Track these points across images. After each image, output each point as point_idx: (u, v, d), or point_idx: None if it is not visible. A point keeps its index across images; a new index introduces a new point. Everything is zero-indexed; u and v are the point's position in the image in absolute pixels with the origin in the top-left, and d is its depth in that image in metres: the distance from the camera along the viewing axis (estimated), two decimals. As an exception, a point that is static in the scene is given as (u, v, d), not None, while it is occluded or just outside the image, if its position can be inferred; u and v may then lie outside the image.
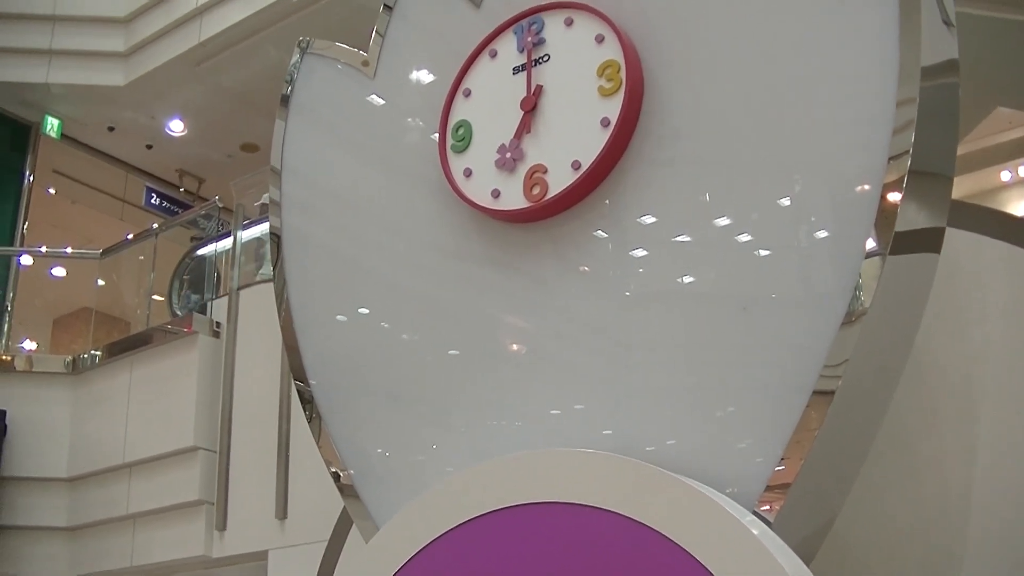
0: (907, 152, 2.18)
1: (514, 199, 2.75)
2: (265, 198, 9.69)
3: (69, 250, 13.03)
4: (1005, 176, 11.24)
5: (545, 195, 2.67)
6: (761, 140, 2.43)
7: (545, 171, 2.70)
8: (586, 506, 2.22)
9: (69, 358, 9.43)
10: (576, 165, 2.64)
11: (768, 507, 2.24)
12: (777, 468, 2.24)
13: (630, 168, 2.62)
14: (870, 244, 2.21)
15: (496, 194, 2.79)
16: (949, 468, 2.77)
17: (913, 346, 2.38)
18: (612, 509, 2.17)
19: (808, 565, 2.12)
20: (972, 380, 2.81)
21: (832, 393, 2.18)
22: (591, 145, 2.62)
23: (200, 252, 10.32)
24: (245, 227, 9.13)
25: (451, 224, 2.95)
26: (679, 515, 2.10)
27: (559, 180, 2.66)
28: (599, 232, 2.65)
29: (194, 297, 10.42)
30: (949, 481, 2.75)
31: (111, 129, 15.30)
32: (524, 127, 2.79)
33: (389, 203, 3.14)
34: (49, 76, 13.84)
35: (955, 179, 2.38)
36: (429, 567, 2.45)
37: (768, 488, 2.25)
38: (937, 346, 2.83)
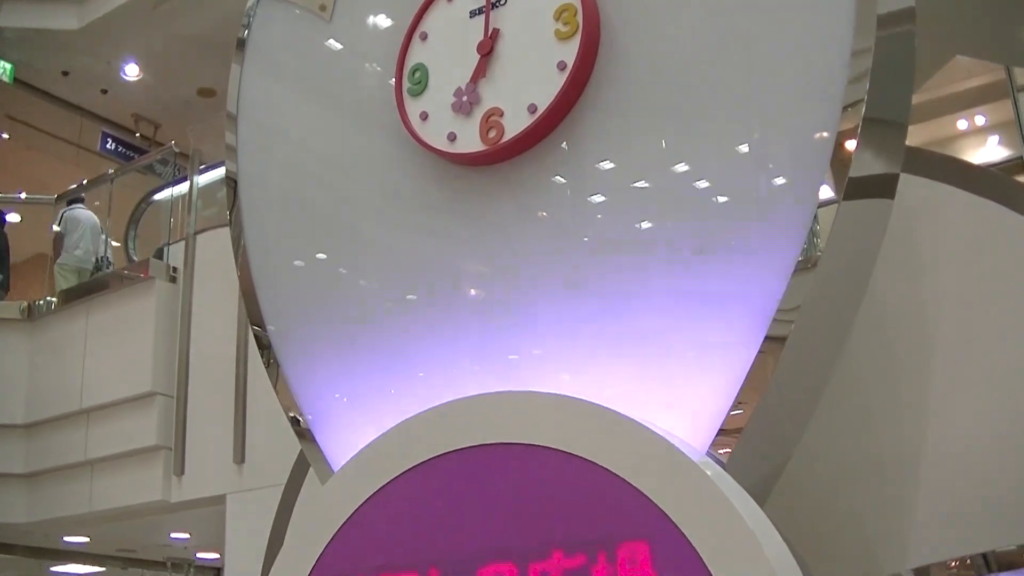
0: (862, 101, 2.20)
1: (470, 142, 2.74)
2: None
3: (23, 195, 12.88)
4: (962, 125, 11.29)
5: (501, 138, 2.67)
6: (718, 88, 2.44)
7: (501, 114, 2.70)
8: (541, 447, 2.23)
9: (24, 304, 9.35)
10: (532, 108, 2.63)
11: (726, 451, 2.27)
12: (732, 412, 2.26)
13: (587, 113, 2.62)
14: (825, 190, 2.23)
15: (452, 137, 2.78)
16: (903, 414, 2.80)
17: (867, 292, 2.40)
18: (567, 450, 2.19)
19: (761, 507, 2.14)
20: (926, 326, 2.84)
21: (785, 339, 2.20)
22: (547, 88, 2.61)
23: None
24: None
25: (409, 169, 2.93)
26: (633, 455, 2.11)
27: (515, 123, 2.66)
28: (557, 178, 2.64)
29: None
30: (903, 427, 2.78)
31: (65, 74, 15.10)
32: (480, 71, 2.77)
33: (347, 148, 3.13)
34: (1, 19, 13.61)
35: (912, 127, 2.40)
36: (385, 508, 2.46)
37: (723, 432, 2.27)
38: (892, 292, 2.86)
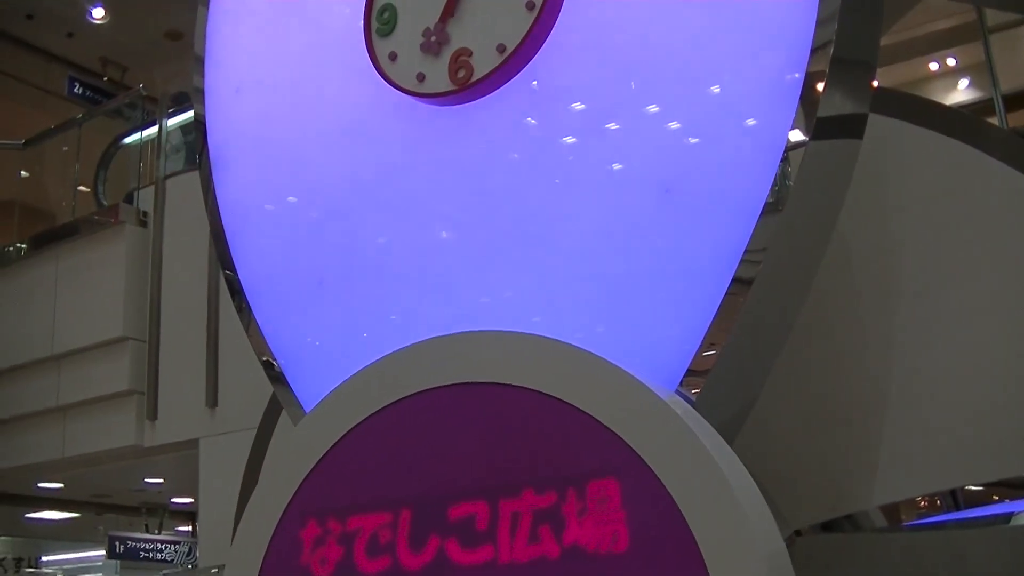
0: (831, 42, 2.21)
1: (439, 83, 2.73)
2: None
3: (-11, 141, 12.73)
4: (933, 66, 11.28)
5: (470, 78, 2.66)
6: (689, 29, 2.43)
7: (470, 54, 2.68)
8: (510, 386, 2.25)
9: (-7, 251, 9.30)
10: (501, 48, 2.62)
11: (696, 391, 2.29)
12: (701, 353, 2.28)
13: (557, 53, 2.61)
14: (793, 131, 2.24)
15: (421, 78, 2.76)
16: (870, 354, 2.82)
17: (835, 233, 2.42)
18: (536, 389, 2.21)
19: (730, 445, 2.17)
20: (893, 268, 2.85)
21: (752, 280, 2.22)
22: (516, 28, 2.60)
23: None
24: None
25: (379, 111, 2.92)
26: (603, 394, 2.13)
27: (484, 63, 2.64)
28: (528, 119, 2.64)
29: None
30: (870, 366, 2.80)
31: (30, 17, 14.88)
32: (449, 10, 2.75)
33: (316, 90, 3.10)
34: (-38, -40, 13.41)
35: (883, 68, 2.41)
36: (356, 449, 2.47)
37: (692, 372, 2.29)
38: (859, 233, 2.87)
